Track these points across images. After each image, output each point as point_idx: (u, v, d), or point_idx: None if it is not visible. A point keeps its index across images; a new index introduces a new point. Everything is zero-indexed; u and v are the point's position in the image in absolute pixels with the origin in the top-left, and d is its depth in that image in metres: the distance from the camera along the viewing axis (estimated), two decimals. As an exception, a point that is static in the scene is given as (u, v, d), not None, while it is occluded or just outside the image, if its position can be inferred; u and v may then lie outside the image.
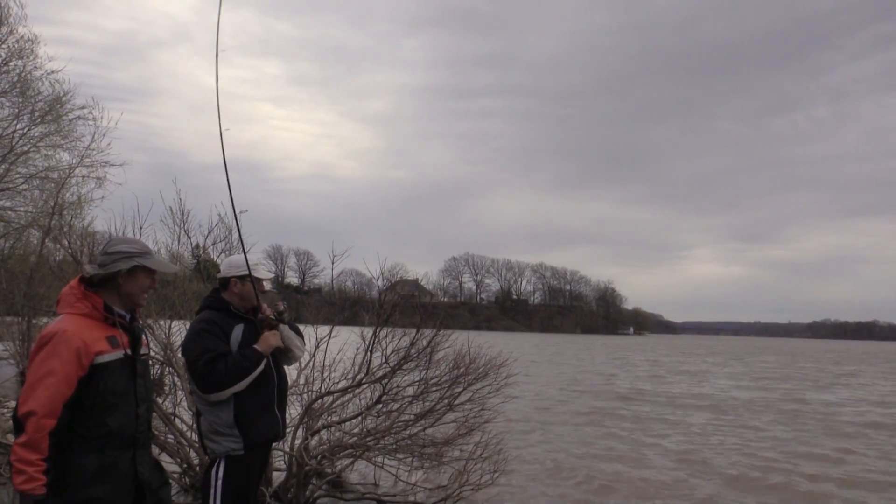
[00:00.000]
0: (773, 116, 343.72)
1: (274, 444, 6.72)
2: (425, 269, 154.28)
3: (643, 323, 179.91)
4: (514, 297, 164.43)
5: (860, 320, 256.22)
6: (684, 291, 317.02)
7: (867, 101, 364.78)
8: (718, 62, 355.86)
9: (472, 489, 6.75)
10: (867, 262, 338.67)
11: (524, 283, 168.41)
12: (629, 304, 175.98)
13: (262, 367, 3.80)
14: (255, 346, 3.85)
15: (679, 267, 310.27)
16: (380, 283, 7.59)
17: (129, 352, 2.98)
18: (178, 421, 6.73)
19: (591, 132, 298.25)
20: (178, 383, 6.83)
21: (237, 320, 3.91)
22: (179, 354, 3.80)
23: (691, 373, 31.22)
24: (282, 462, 7.12)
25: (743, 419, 15.38)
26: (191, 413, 5.74)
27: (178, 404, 6.93)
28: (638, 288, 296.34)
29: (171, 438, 6.57)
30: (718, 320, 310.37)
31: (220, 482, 3.71)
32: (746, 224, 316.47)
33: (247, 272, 3.91)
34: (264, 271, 4.03)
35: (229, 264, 4.01)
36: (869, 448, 12.18)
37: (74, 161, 16.50)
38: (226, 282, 3.94)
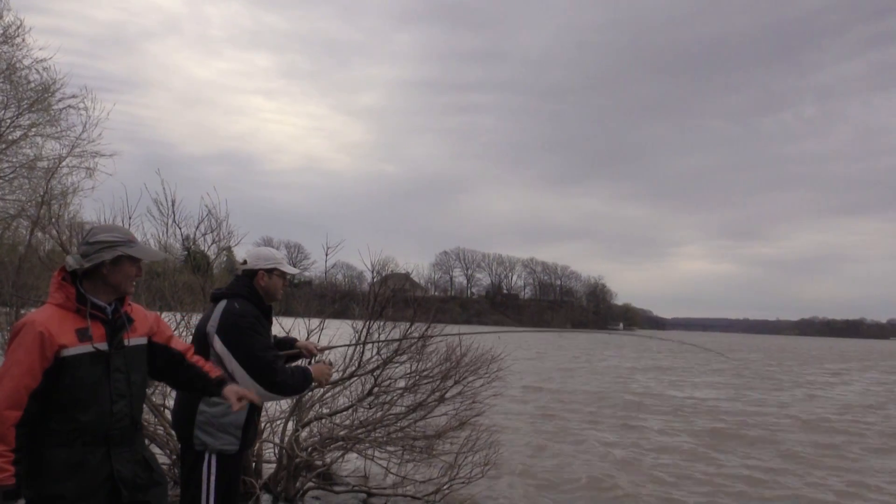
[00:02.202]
0: (763, 115, 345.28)
1: (264, 437, 6.75)
2: (416, 263, 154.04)
3: (633, 318, 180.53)
4: (505, 291, 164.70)
5: (848, 318, 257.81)
6: (674, 288, 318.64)
7: (855, 100, 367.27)
8: (708, 60, 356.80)
9: (463, 482, 6.75)
10: (854, 261, 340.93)
11: (515, 277, 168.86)
12: (619, 300, 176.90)
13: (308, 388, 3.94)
14: (312, 371, 3.83)
15: (669, 263, 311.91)
16: (372, 275, 7.57)
17: (98, 346, 2.86)
18: (167, 412, 6.69)
19: (582, 128, 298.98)
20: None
21: (268, 323, 3.90)
22: (217, 339, 3.65)
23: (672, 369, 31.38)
24: (272, 454, 7.10)
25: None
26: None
27: (167, 395, 6.88)
28: (628, 284, 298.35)
29: (160, 430, 6.53)
30: (707, 317, 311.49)
31: (213, 478, 3.65)
32: (736, 221, 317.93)
33: (275, 265, 3.86)
34: (291, 267, 3.99)
35: (257, 256, 3.92)
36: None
37: (64, 151, 16.39)
38: (252, 274, 3.86)
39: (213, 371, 3.26)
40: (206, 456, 3.66)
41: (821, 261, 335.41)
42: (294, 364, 3.94)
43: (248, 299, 3.77)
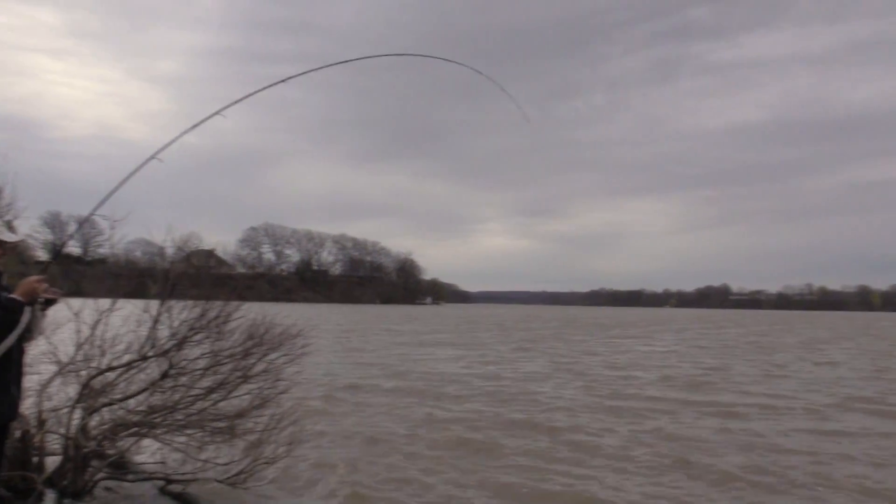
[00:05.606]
0: (558, 101, 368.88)
1: (48, 427, 6.25)
2: (221, 239, 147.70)
3: (440, 293, 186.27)
4: (315, 267, 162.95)
5: (630, 289, 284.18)
6: (478, 263, 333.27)
7: (637, 92, 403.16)
8: (510, 46, 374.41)
9: (267, 463, 6.67)
10: (636, 237, 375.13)
11: (325, 253, 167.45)
12: (427, 275, 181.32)
13: (27, 317, 3.66)
14: (14, 296, 3.68)
15: (473, 239, 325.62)
16: (170, 250, 7.23)
17: None
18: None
19: (390, 106, 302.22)
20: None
21: None
22: None
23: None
24: (57, 446, 6.60)
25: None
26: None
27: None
28: (435, 259, 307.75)
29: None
30: (509, 290, 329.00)
31: None
32: (533, 200, 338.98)
33: None
34: (5, 234, 3.93)
35: None
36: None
37: None
38: None
39: None
40: None
41: (608, 237, 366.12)
42: None
43: None
